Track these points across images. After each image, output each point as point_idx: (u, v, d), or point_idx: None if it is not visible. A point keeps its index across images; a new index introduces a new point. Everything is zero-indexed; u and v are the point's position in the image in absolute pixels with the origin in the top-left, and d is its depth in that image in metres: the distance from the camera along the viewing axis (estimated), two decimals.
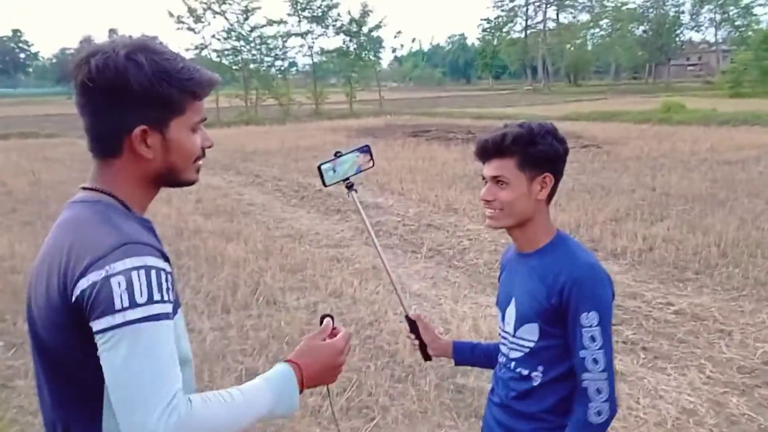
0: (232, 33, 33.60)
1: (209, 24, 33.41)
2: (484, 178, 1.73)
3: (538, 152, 1.65)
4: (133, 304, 1.06)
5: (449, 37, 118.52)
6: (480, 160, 1.75)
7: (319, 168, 1.77)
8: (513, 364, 1.75)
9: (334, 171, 1.78)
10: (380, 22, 37.03)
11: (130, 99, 1.18)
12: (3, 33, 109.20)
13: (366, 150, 1.86)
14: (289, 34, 35.77)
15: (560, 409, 1.68)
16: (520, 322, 1.71)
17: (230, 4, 32.78)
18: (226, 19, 33.30)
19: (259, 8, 34.28)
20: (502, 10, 73.18)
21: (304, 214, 9.27)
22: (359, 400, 3.82)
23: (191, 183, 1.35)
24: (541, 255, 1.70)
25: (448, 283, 5.98)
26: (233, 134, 22.14)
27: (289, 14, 35.61)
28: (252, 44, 34.36)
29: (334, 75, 42.26)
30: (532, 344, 1.69)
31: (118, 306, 1.06)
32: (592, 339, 1.57)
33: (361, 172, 1.84)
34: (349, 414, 3.69)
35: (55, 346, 1.17)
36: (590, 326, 1.57)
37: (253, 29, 34.19)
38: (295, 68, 40.59)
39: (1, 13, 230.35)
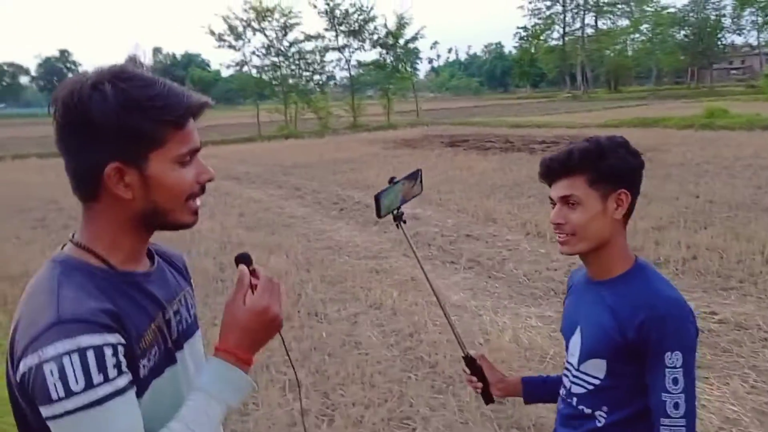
0: (272, 49, 34.22)
1: (249, 41, 34.00)
2: (552, 201, 1.60)
3: (610, 167, 1.53)
4: (69, 394, 0.99)
5: (486, 46, 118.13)
6: (546, 182, 1.61)
7: (376, 198, 1.66)
8: (575, 399, 1.62)
9: (388, 200, 1.69)
10: (417, 34, 37.28)
11: (98, 134, 1.08)
12: (51, 53, 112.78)
13: (414, 176, 1.75)
14: (326, 49, 36.26)
15: None
16: (585, 356, 1.59)
17: (269, 21, 33.40)
18: (265, 35, 33.95)
19: (297, 24, 34.75)
20: (539, 18, 72.84)
21: (344, 225, 9.38)
22: (400, 411, 3.88)
23: (185, 226, 1.20)
24: (614, 285, 1.56)
25: (487, 294, 6.00)
26: (273, 148, 22.51)
27: (326, 29, 36.14)
28: (291, 59, 34.91)
29: (371, 87, 42.58)
30: (597, 381, 1.57)
31: (54, 396, 0.99)
32: (675, 381, 1.44)
33: (406, 201, 1.72)
34: (390, 425, 3.75)
35: (24, 408, 1.09)
36: (674, 367, 1.44)
37: (291, 45, 34.76)
38: (333, 82, 41.11)
39: (49, 34, 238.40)
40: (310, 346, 4.88)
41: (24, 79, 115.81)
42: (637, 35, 73.43)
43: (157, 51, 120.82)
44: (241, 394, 1.16)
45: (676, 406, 1.44)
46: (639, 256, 1.61)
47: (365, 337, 5.01)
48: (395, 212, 1.70)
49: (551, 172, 1.57)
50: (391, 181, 1.71)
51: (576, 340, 1.63)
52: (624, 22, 72.15)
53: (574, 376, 1.63)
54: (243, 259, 1.23)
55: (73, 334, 1.01)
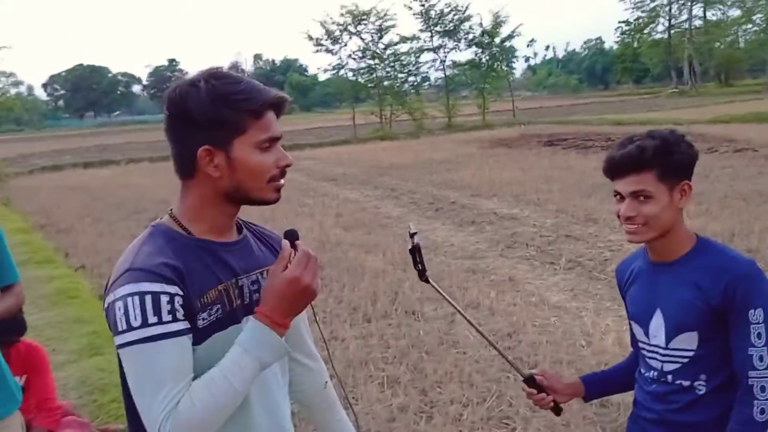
0: (367, 52, 34.59)
1: (345, 45, 34.48)
2: (617, 194, 1.69)
3: (677, 161, 1.63)
4: (130, 327, 1.21)
5: (585, 43, 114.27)
6: (611, 177, 1.71)
7: (418, 250, 1.70)
8: (670, 377, 1.70)
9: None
10: (513, 32, 36.64)
11: (193, 122, 1.30)
12: (160, 63, 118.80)
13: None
14: (421, 50, 36.28)
15: (728, 418, 1.63)
16: (673, 333, 1.67)
17: (365, 24, 33.82)
18: (361, 39, 34.37)
19: (392, 26, 34.87)
20: (643, 11, 69.70)
21: (439, 226, 9.37)
22: (499, 411, 3.83)
23: (268, 202, 1.38)
24: (687, 261, 1.67)
25: (589, 296, 5.83)
26: (369, 150, 22.79)
27: (421, 30, 36.14)
28: (386, 62, 35.17)
29: (466, 87, 42.29)
30: (690, 353, 1.66)
31: (119, 328, 1.22)
32: (759, 336, 1.56)
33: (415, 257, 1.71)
34: (489, 424, 3.71)
35: None
36: (758, 322, 1.56)
37: (387, 47, 35.02)
38: (427, 83, 41.03)
39: (158, 44, 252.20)
40: (408, 344, 4.90)
41: (136, 88, 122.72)
42: (749, 25, 68.90)
43: (257, 57, 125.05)
44: (274, 354, 1.29)
45: (761, 358, 1.56)
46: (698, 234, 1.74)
47: (462, 336, 4.98)
48: (419, 268, 1.70)
49: (623, 168, 1.65)
50: (412, 236, 1.71)
51: (657, 322, 1.71)
52: (735, 12, 67.91)
53: (663, 355, 1.71)
54: (289, 235, 1.36)
55: (138, 279, 1.23)
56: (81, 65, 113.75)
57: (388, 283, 6.40)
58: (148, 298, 1.21)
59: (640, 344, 1.79)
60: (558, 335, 4.87)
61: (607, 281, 6.18)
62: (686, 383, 1.67)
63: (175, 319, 1.23)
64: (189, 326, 1.26)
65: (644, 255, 1.79)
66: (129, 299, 1.22)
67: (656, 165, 1.61)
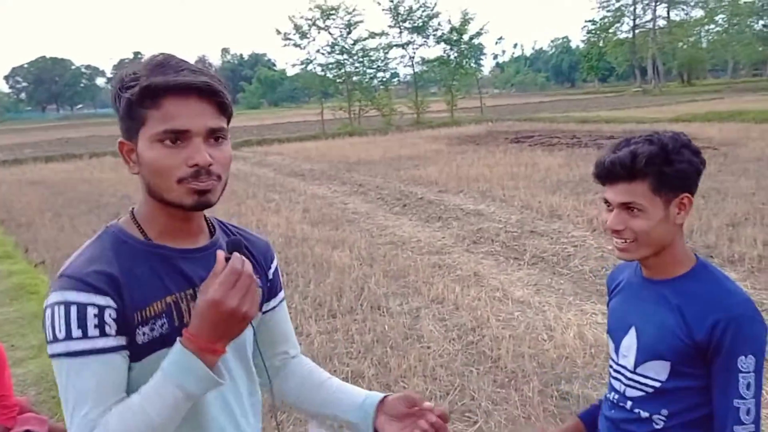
0: (336, 47, 34.43)
1: (314, 39, 34.23)
2: (607, 203, 1.51)
3: (675, 172, 1.43)
4: (55, 339, 1.10)
5: (552, 41, 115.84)
6: (600, 183, 1.51)
7: None
8: (630, 403, 1.55)
9: None
10: (481, 29, 36.83)
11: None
12: (125, 55, 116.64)
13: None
14: (390, 46, 36.23)
15: None
16: (643, 357, 1.52)
17: (334, 20, 33.67)
18: (330, 34, 34.18)
19: (361, 22, 34.96)
20: (608, 11, 70.68)
21: (406, 221, 9.40)
22: (462, 404, 3.87)
23: (184, 207, 1.17)
24: (678, 284, 1.49)
25: (552, 290, 5.91)
26: (337, 146, 22.71)
27: (390, 26, 36.11)
28: (355, 57, 35.06)
29: (435, 84, 42.34)
30: (657, 384, 1.50)
31: (47, 337, 1.12)
32: (748, 387, 1.39)
33: None
34: (452, 417, 3.74)
35: None
36: (748, 372, 1.39)
37: (355, 42, 34.89)
38: (396, 79, 41.06)
39: (123, 36, 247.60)
40: (373, 339, 4.92)
41: (100, 81, 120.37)
42: (712, 26, 70.33)
43: (225, 51, 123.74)
44: (200, 384, 1.11)
45: (748, 412, 1.40)
46: (698, 255, 1.56)
47: (427, 330, 5.02)
48: None
49: (612, 175, 1.47)
50: None
51: (630, 341, 1.55)
52: (698, 13, 69.23)
53: (629, 379, 1.56)
54: (229, 245, 1.19)
55: (65, 287, 1.11)
56: (44, 57, 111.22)
57: (354, 279, 6.41)
58: (74, 309, 1.10)
59: (610, 361, 1.65)
60: (521, 329, 4.94)
61: (569, 276, 6.28)
62: (645, 414, 1.52)
63: (102, 334, 1.11)
64: (122, 342, 1.14)
65: (636, 267, 1.62)
66: (56, 308, 1.10)
67: (650, 175, 1.42)
